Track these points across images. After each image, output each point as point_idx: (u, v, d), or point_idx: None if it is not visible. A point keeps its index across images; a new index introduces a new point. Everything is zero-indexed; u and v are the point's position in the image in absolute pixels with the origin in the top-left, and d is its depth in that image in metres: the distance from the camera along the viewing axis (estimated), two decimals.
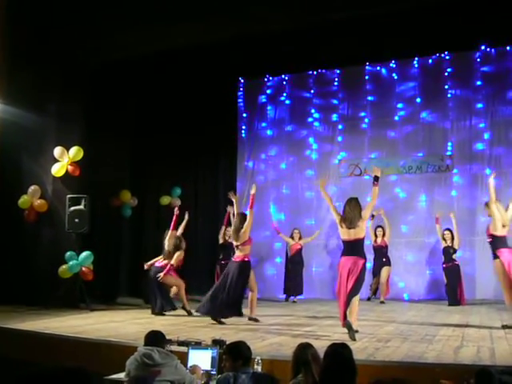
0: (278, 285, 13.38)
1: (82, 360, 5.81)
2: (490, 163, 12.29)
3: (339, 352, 4.05)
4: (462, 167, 12.54)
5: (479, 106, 12.49)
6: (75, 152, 11.13)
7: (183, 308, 10.12)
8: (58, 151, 11.11)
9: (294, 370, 4.58)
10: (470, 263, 12.08)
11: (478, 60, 12.49)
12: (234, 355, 4.62)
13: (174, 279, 10.35)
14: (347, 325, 7.09)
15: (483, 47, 12.35)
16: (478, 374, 4.36)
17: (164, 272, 9.94)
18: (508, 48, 12.24)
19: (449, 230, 11.37)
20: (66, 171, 11.18)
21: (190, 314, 9.94)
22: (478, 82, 12.48)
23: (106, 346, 6.64)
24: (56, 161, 11.19)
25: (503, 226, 8.42)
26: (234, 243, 9.26)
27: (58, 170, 11.16)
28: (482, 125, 12.46)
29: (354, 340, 6.74)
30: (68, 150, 11.13)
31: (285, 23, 11.02)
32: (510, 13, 10.64)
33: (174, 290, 10.62)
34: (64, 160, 11.15)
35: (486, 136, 12.39)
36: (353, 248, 7.63)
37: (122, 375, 4.99)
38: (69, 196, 11.02)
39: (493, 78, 12.35)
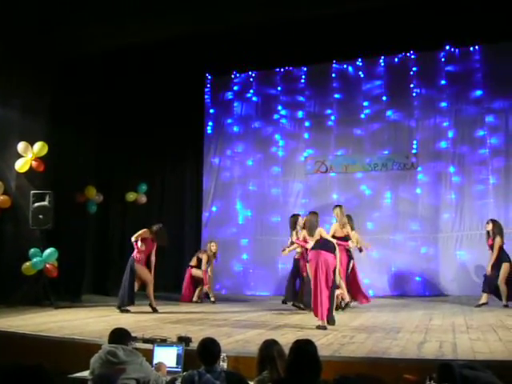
0: (244, 281, 13.43)
1: (46, 358, 5.70)
2: (453, 161, 12.48)
3: (304, 348, 4.06)
4: (427, 165, 12.70)
5: (443, 104, 12.66)
6: (39, 147, 10.99)
7: (149, 305, 10.06)
8: (21, 146, 10.95)
9: (259, 367, 4.60)
10: (434, 259, 12.28)
11: (443, 60, 12.66)
12: (199, 353, 4.63)
13: (147, 272, 10.23)
14: (332, 320, 7.77)
15: (448, 47, 12.53)
16: (440, 369, 4.44)
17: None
18: (471, 48, 12.44)
19: None
20: (30, 167, 11.03)
21: (155, 310, 9.90)
22: (443, 82, 12.65)
23: (70, 344, 6.57)
24: (20, 156, 11.03)
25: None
26: (308, 238, 9.24)
27: (21, 165, 11.00)
28: (446, 123, 12.63)
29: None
30: (32, 145, 10.98)
31: (252, 20, 11.03)
32: (474, 14, 10.84)
33: (137, 285, 10.32)
34: (28, 155, 11.00)
35: (450, 134, 12.56)
36: (324, 242, 8.15)
37: (86, 373, 4.94)
38: (33, 192, 10.87)
39: (457, 78, 12.53)
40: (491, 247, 10.21)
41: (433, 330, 7.38)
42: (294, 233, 10.33)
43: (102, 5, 10.40)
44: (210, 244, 12.07)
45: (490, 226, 10.28)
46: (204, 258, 11.81)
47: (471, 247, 12.08)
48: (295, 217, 10.67)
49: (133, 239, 10.09)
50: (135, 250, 10.09)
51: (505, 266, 9.97)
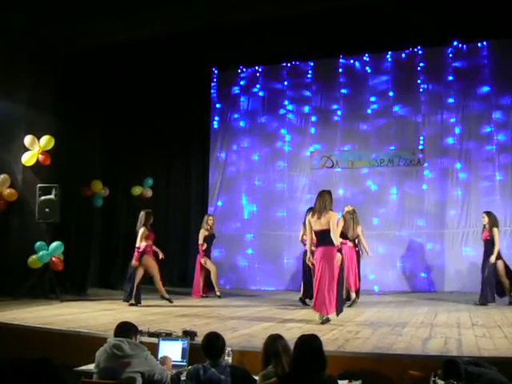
0: (249, 276, 13.43)
1: (51, 351, 5.74)
2: (460, 157, 12.45)
3: (309, 343, 4.07)
4: (433, 161, 12.66)
5: (450, 100, 12.61)
6: (46, 141, 11.00)
7: (162, 297, 10.15)
8: (28, 140, 10.98)
9: (264, 361, 4.61)
10: (440, 256, 12.25)
11: (450, 55, 12.61)
12: (204, 347, 4.64)
13: (154, 264, 10.27)
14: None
15: (455, 43, 12.48)
16: (445, 365, 4.45)
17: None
18: (479, 44, 12.38)
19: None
20: (37, 160, 11.06)
21: (170, 301, 10.05)
22: (450, 77, 12.60)
23: (76, 337, 6.60)
24: (26, 149, 11.05)
25: None
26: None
27: (28, 158, 11.03)
28: (453, 119, 12.59)
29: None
30: (39, 138, 11.00)
31: (260, 14, 11.00)
32: (482, 9, 10.78)
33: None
34: (35, 149, 11.03)
35: (457, 130, 12.53)
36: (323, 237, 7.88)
37: (91, 366, 4.96)
38: (39, 185, 10.90)
39: (464, 74, 12.48)
40: (486, 241, 10.11)
41: (438, 326, 7.39)
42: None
43: None
44: (207, 217, 11.90)
45: (486, 219, 10.17)
46: (201, 233, 11.60)
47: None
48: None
49: (139, 245, 10.04)
50: (145, 245, 10.11)
51: (499, 264, 9.89)
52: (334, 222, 7.93)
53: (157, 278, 10.21)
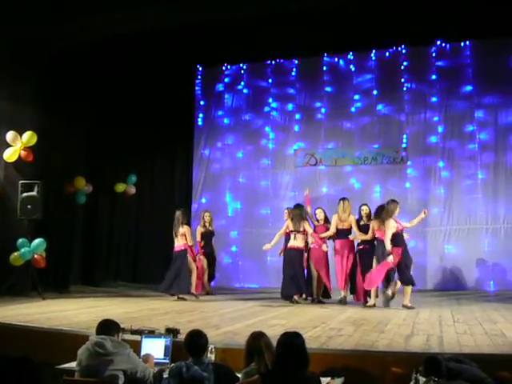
0: (233, 273, 13.43)
1: (33, 349, 5.71)
2: (443, 156, 12.54)
3: (292, 341, 4.08)
4: (416, 159, 12.74)
5: (434, 99, 12.70)
6: (28, 137, 10.91)
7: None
8: (10, 136, 10.88)
9: (247, 359, 4.61)
10: (423, 253, 12.32)
11: (434, 55, 12.70)
12: (186, 345, 4.63)
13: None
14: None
15: (439, 42, 12.56)
16: (427, 361, 4.48)
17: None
18: (462, 44, 12.47)
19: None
20: (19, 156, 10.96)
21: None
22: (433, 77, 12.69)
23: (58, 335, 6.55)
24: (8, 145, 10.95)
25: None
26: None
27: (10, 154, 10.93)
28: (436, 118, 12.68)
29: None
30: (21, 134, 10.90)
31: (245, 11, 10.98)
32: (465, 9, 10.86)
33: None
34: (17, 145, 10.93)
35: (440, 129, 12.62)
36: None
37: (73, 364, 4.93)
38: (21, 182, 10.81)
39: (447, 73, 12.57)
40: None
41: (420, 323, 7.44)
42: (307, 223, 10.11)
43: None
44: (203, 213, 11.88)
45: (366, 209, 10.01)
46: (197, 231, 11.55)
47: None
48: (301, 208, 10.37)
49: (191, 243, 10.59)
50: (186, 243, 10.49)
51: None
52: (388, 230, 9.12)
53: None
